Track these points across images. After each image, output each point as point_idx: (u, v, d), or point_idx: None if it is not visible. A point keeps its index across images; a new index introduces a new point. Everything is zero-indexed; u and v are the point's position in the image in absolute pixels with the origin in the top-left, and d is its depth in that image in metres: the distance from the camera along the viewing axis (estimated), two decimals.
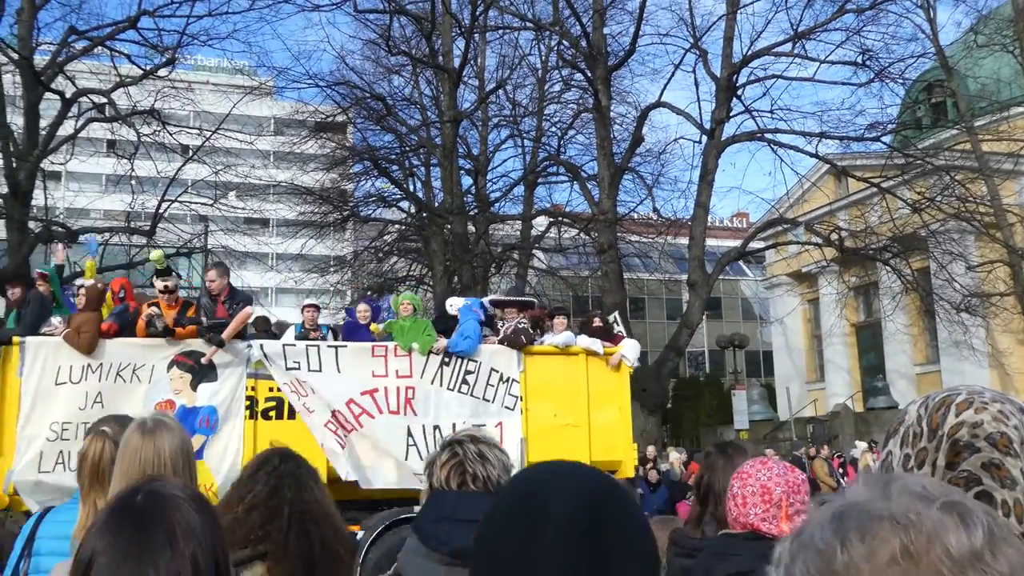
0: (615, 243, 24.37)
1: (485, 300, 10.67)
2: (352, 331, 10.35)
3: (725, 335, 34.39)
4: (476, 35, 25.44)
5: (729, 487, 2.64)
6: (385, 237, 28.37)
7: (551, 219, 28.20)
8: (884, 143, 23.85)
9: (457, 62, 24.19)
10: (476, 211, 26.88)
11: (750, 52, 23.12)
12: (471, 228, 26.09)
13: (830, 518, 0.88)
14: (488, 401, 9.70)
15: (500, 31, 27.26)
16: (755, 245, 28.70)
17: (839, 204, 30.17)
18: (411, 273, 29.21)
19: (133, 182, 22.14)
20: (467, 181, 28.16)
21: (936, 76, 25.56)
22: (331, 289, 29.09)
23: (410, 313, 9.86)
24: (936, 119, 27.40)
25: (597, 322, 11.18)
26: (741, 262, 43.74)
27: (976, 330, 25.02)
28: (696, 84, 24.59)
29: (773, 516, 2.51)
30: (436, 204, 26.83)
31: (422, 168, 28.61)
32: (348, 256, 30.67)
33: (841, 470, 20.25)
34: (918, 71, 24.52)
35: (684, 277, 26.76)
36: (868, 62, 22.23)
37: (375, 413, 9.30)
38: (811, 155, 23.68)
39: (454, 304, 10.31)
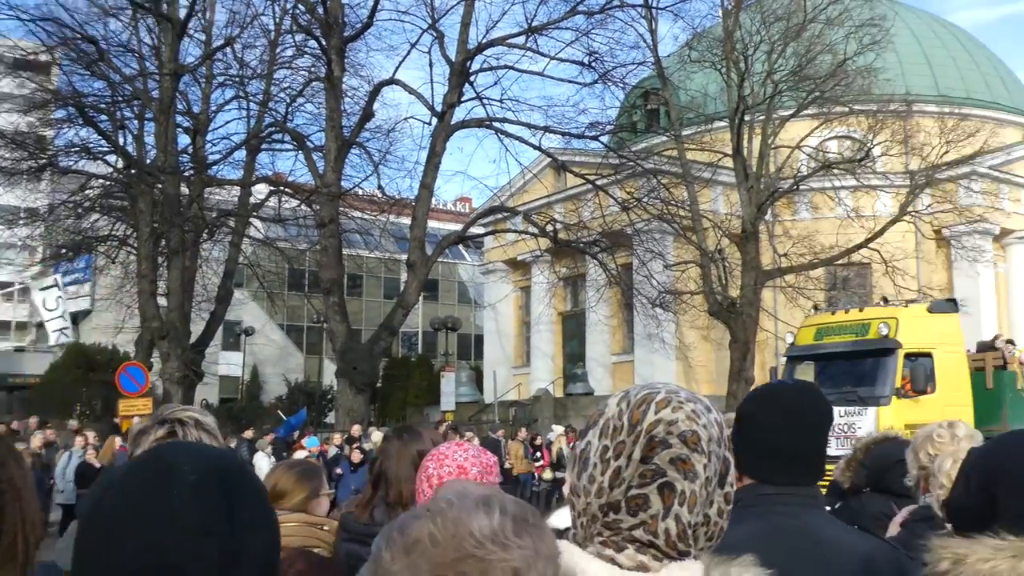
0: (336, 218, 23.93)
1: None
2: None
3: (439, 317, 34.94)
4: None
5: (423, 468, 2.66)
6: (87, 192, 26.08)
7: (272, 188, 27.19)
8: (602, 143, 25.08)
9: (183, 13, 22.66)
10: (192, 172, 25.38)
11: (485, 40, 23.50)
12: (185, 190, 24.60)
13: (385, 529, 1.09)
14: None
15: None
16: (475, 230, 29.26)
17: (556, 197, 31.40)
18: (114, 232, 27.04)
19: None
20: (185, 140, 26.47)
21: (653, 84, 27.14)
22: (19, 244, 26.41)
23: None
24: (649, 125, 29.16)
25: None
26: (461, 246, 44.57)
27: (667, 324, 26.78)
28: (431, 65, 24.68)
29: None
30: (148, 161, 25.05)
31: (135, 122, 26.51)
32: (42, 209, 27.93)
33: (538, 452, 21.12)
34: (638, 78, 25.98)
35: (404, 257, 26.81)
36: (594, 64, 23.29)
37: None
38: (534, 147, 24.47)
39: None
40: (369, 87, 24.63)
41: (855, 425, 14.38)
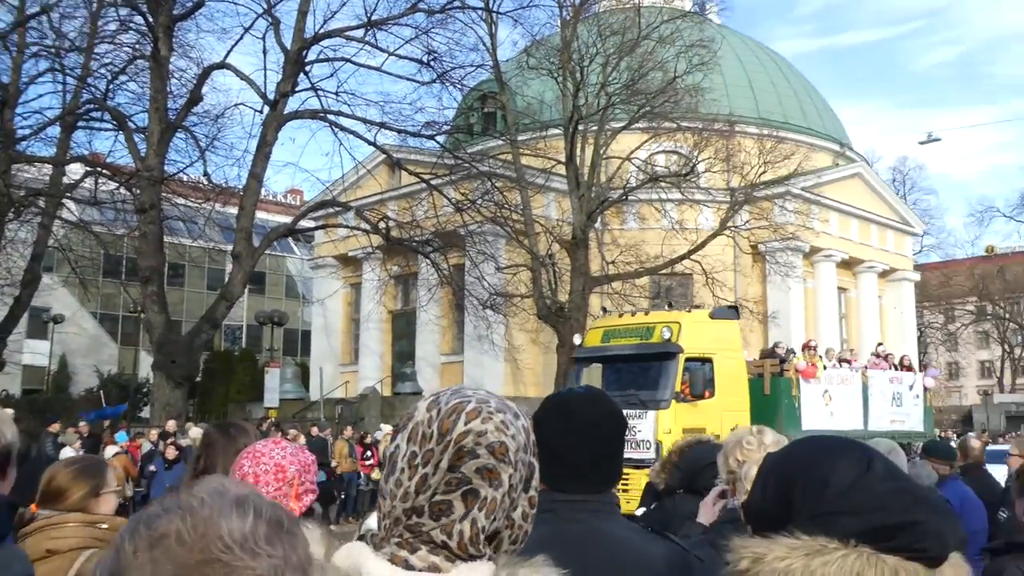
0: (158, 203, 22.88)
1: None
2: None
3: (265, 311, 33.92)
4: None
5: (238, 466, 2.60)
6: None
7: (88, 168, 25.68)
8: (438, 142, 25.05)
9: None
10: None
11: (323, 30, 23.02)
12: None
13: (132, 518, 1.02)
14: None
15: None
16: (305, 224, 28.59)
17: (390, 194, 31.12)
18: None
19: None
20: None
21: (491, 88, 27.32)
22: None
23: None
24: (486, 128, 29.30)
25: None
26: (290, 239, 43.58)
27: (497, 326, 27.07)
28: (264, 52, 23.88)
29: (285, 495, 2.57)
30: None
31: None
32: None
33: (367, 452, 20.85)
34: (476, 80, 26.08)
35: (229, 248, 25.91)
36: (432, 63, 23.21)
37: None
38: (369, 143, 24.15)
39: None
40: (198, 69, 23.67)
41: (635, 428, 14.47)
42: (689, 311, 17.36)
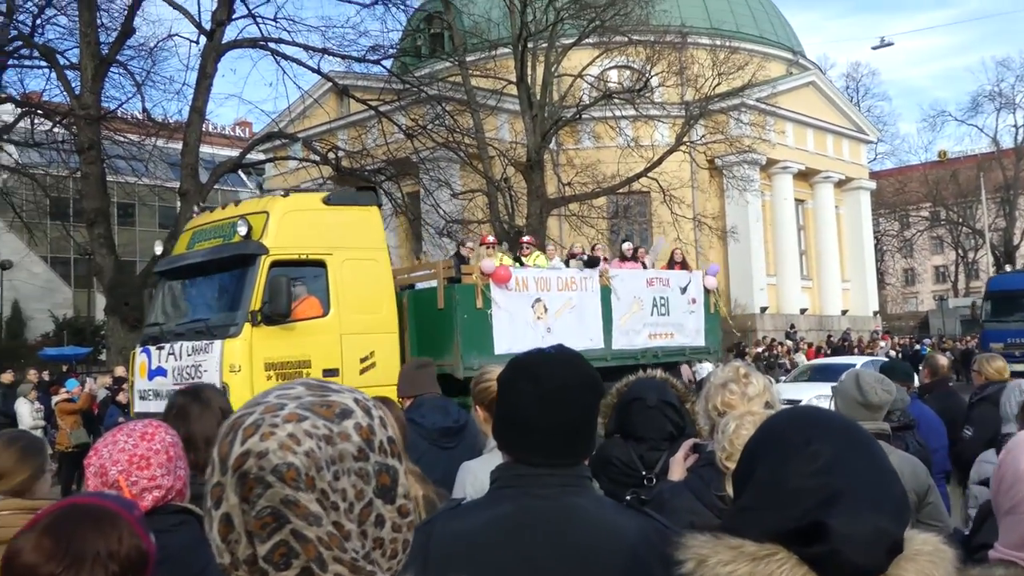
0: (99, 143, 22.11)
1: None
2: None
3: None
4: None
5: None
6: None
7: (22, 109, 24.73)
8: (384, 67, 24.35)
9: None
10: None
11: None
12: None
13: None
14: None
15: None
16: (254, 157, 27.90)
17: (339, 123, 30.44)
18: None
19: None
20: None
21: (436, 7, 26.60)
22: None
23: None
24: (433, 50, 28.59)
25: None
26: (240, 173, 42.66)
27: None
28: None
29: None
30: None
31: None
32: None
33: None
34: (420, 0, 25.34)
35: (177, 185, 25.24)
36: None
37: None
38: (313, 70, 23.39)
39: None
40: (128, 1, 22.67)
41: (201, 367, 10.47)
42: (286, 195, 12.13)
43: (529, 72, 24.96)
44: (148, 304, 13.07)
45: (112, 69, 22.47)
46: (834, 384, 4.10)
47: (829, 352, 31.05)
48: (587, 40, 25.80)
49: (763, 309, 35.90)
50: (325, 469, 1.06)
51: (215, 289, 11.66)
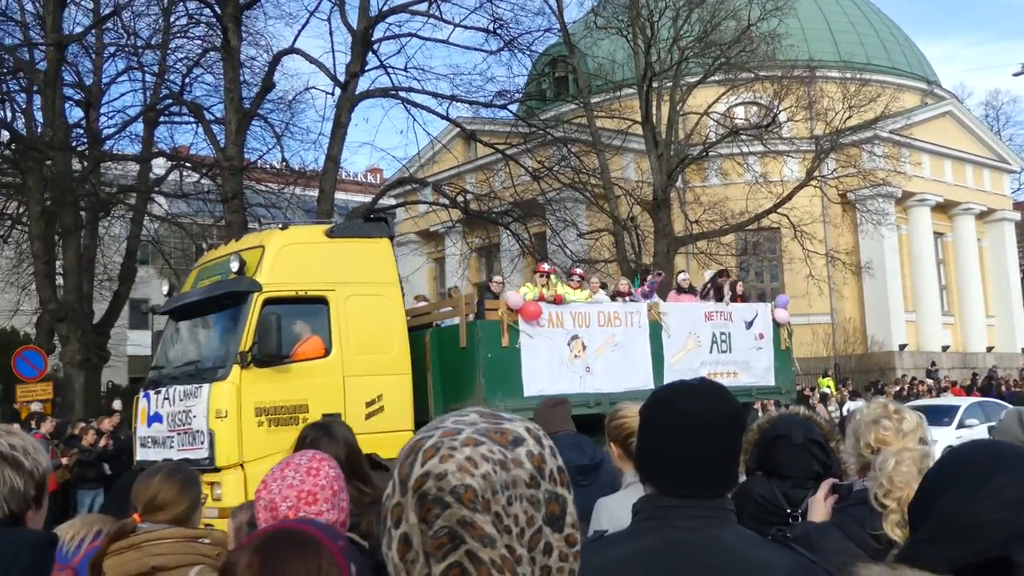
0: (241, 192, 23.20)
1: None
2: None
3: None
4: None
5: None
6: None
7: (172, 162, 26.25)
8: (510, 111, 24.80)
9: None
10: (86, 147, 24.31)
11: (387, 7, 22.86)
12: (78, 166, 23.59)
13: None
14: None
15: None
16: (385, 202, 28.73)
17: (467, 167, 31.06)
18: (5, 211, 25.89)
19: None
20: (78, 113, 25.36)
21: (560, 52, 26.94)
22: None
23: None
24: (558, 93, 28.93)
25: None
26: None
27: None
28: (331, 33, 24.01)
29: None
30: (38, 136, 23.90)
31: (22, 95, 25.27)
32: None
33: None
34: (544, 45, 25.72)
35: None
36: (499, 31, 22.86)
37: None
38: (442, 117, 24.01)
39: None
40: (268, 57, 23.82)
41: (191, 412, 9.81)
42: (284, 228, 11.16)
43: (654, 111, 24.97)
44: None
45: (254, 122, 23.59)
46: (992, 424, 3.97)
47: (979, 392, 29.32)
48: (712, 78, 25.66)
49: (902, 347, 34.53)
50: (500, 493, 1.09)
51: (209, 329, 11.11)
